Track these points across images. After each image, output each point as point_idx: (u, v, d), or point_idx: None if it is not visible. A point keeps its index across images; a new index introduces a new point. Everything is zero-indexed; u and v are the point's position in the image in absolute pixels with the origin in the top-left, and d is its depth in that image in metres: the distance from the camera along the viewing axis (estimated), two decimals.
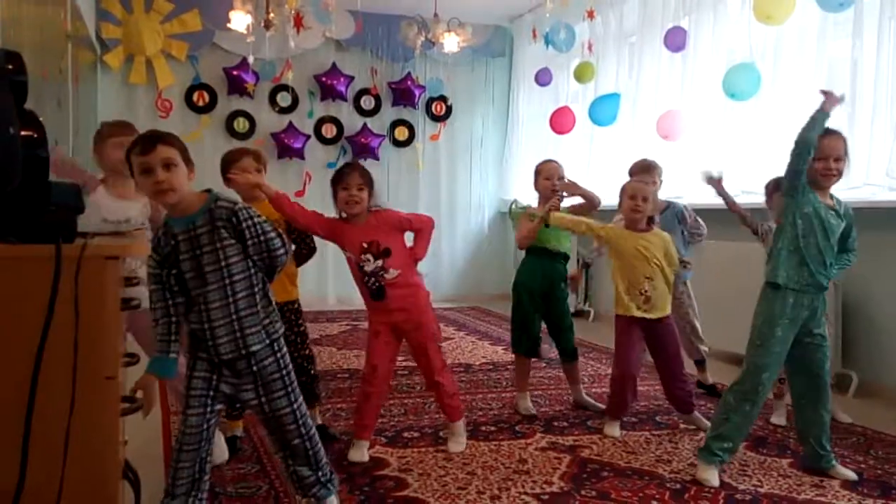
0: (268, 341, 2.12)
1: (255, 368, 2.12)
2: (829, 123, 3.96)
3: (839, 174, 2.74)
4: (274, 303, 2.18)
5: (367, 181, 2.90)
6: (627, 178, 3.87)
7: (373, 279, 2.90)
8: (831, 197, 2.81)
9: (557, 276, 3.66)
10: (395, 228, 2.96)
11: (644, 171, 3.85)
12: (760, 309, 2.78)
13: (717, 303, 4.38)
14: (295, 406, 2.19)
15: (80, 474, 1.44)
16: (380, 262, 2.89)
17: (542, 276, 3.62)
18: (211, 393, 2.11)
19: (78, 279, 1.41)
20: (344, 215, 2.94)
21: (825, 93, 2.74)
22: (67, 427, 1.41)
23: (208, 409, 2.11)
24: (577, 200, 3.64)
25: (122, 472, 1.72)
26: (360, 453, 2.93)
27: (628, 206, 3.29)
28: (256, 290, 2.09)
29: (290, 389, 2.18)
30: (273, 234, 2.07)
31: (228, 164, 2.99)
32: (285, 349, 2.20)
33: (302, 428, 2.20)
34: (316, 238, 3.10)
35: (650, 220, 3.36)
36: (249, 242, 2.04)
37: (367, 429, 3.01)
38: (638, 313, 3.28)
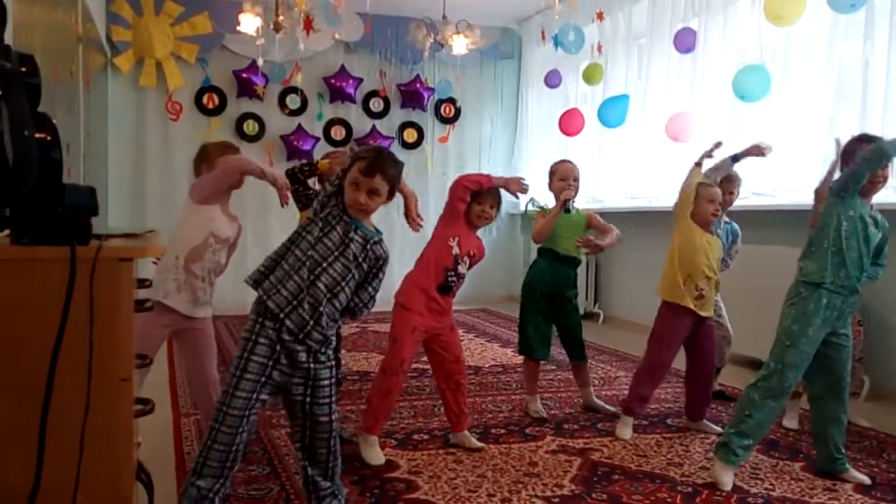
0: (326, 342, 2.21)
1: (311, 364, 2.19)
2: (841, 124, 3.97)
3: (885, 181, 2.75)
4: (341, 332, 2.29)
5: (499, 202, 3.18)
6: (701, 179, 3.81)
7: (454, 278, 3.08)
8: (871, 207, 2.81)
9: (567, 279, 3.66)
10: (479, 258, 3.21)
11: (730, 181, 3.79)
12: (792, 308, 2.75)
13: (739, 307, 4.34)
14: (333, 417, 2.25)
15: (94, 475, 1.44)
16: (465, 272, 3.13)
17: (551, 277, 3.62)
18: (262, 379, 2.15)
19: (93, 281, 1.41)
20: (468, 220, 3.15)
21: None
22: (82, 428, 1.41)
23: (255, 394, 2.14)
24: (581, 202, 3.68)
25: (135, 473, 1.72)
26: (377, 454, 2.93)
27: (707, 210, 3.29)
28: (339, 313, 2.25)
29: (332, 400, 2.25)
30: (374, 296, 2.34)
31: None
32: (334, 365, 2.28)
33: (332, 440, 2.26)
34: None
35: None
36: (369, 288, 2.30)
37: (381, 425, 3.02)
38: (689, 304, 3.26)
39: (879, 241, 2.78)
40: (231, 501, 2.49)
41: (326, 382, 2.22)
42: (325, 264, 2.17)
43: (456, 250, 3.07)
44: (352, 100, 7.43)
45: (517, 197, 3.21)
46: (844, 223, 2.71)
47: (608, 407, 3.67)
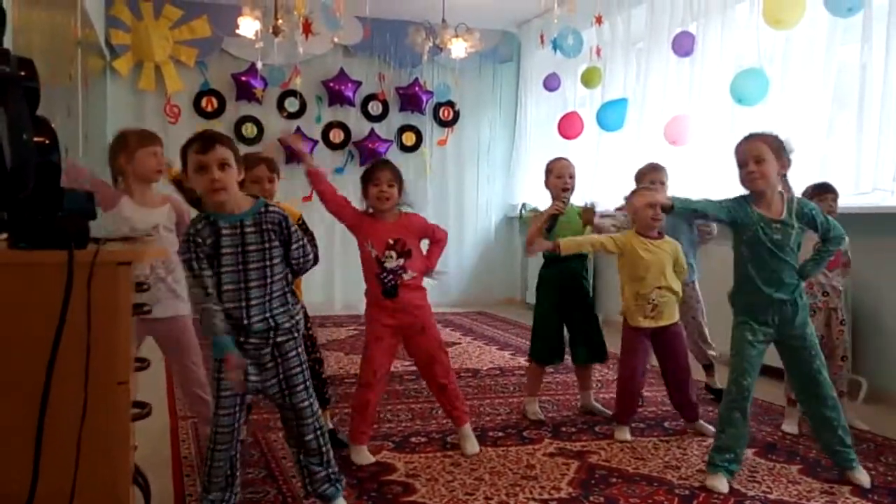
0: (292, 322, 2.26)
1: (278, 357, 2.24)
2: (836, 127, 3.98)
3: (764, 175, 2.71)
4: (299, 298, 2.35)
5: (398, 178, 2.99)
6: (634, 182, 3.87)
7: (390, 276, 2.95)
8: (782, 199, 2.77)
9: (578, 275, 3.62)
10: (419, 233, 3.05)
11: (652, 172, 3.84)
12: (733, 320, 2.84)
13: (721, 309, 4.35)
14: (311, 401, 2.31)
15: (91, 479, 1.44)
16: (401, 262, 2.95)
17: (561, 279, 3.60)
18: (240, 394, 2.22)
19: (90, 285, 1.41)
20: (371, 210, 2.99)
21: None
22: (79, 432, 1.42)
23: (237, 408, 2.22)
24: (578, 204, 3.67)
25: (132, 477, 1.72)
26: (365, 456, 2.94)
27: (648, 215, 3.27)
28: (287, 288, 2.27)
29: (307, 385, 2.30)
30: (308, 243, 2.31)
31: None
32: (303, 347, 2.31)
33: (316, 423, 2.32)
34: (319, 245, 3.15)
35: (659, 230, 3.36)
36: (294, 247, 2.23)
37: (367, 434, 3.02)
38: (645, 323, 3.29)
39: (808, 224, 2.76)
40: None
41: (297, 370, 2.27)
42: (242, 285, 2.16)
43: (374, 252, 2.94)
44: (351, 103, 7.43)
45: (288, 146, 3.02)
46: (744, 249, 2.78)
47: (606, 410, 3.67)
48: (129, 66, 6.74)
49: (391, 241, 2.94)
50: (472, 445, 3.09)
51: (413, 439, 3.24)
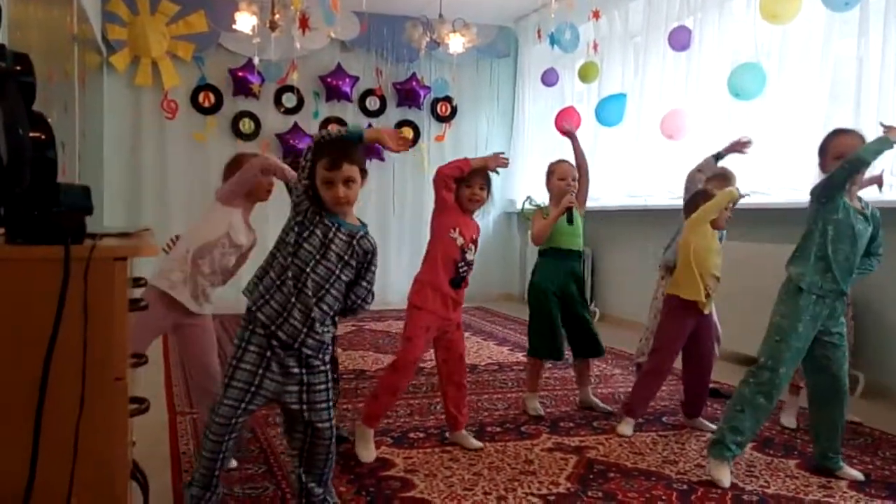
0: (321, 348, 2.21)
1: (303, 372, 2.19)
2: (836, 122, 3.97)
3: (861, 173, 2.75)
4: (335, 328, 2.31)
5: (489, 182, 3.10)
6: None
7: (465, 268, 3.06)
8: (859, 199, 2.80)
9: (573, 274, 3.65)
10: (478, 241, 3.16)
11: (721, 179, 3.79)
12: (781, 305, 2.77)
13: (727, 304, 4.36)
14: (332, 422, 2.25)
15: (89, 475, 1.44)
16: (474, 258, 3.09)
17: (557, 275, 3.61)
18: (252, 388, 2.16)
19: (87, 280, 1.41)
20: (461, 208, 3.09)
21: (888, 128, 2.67)
22: (77, 428, 1.41)
23: (243, 403, 2.15)
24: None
25: (130, 472, 1.72)
26: (369, 450, 2.94)
27: (725, 215, 3.29)
28: (333, 312, 2.23)
29: (330, 405, 2.25)
30: (371, 289, 2.29)
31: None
32: (329, 369, 2.27)
33: (331, 446, 2.27)
34: None
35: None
36: (364, 282, 2.26)
37: (379, 420, 3.04)
38: (700, 298, 3.26)
39: (871, 233, 2.79)
40: (227, 501, 2.49)
41: (322, 388, 2.22)
42: (307, 269, 2.14)
43: (460, 241, 3.04)
44: (348, 98, 7.43)
45: (497, 173, 3.14)
46: (829, 228, 2.72)
47: (604, 405, 3.68)
48: (125, 62, 6.72)
49: (475, 237, 3.10)
50: (473, 442, 3.10)
51: (412, 435, 3.24)
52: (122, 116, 6.84)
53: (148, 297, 2.38)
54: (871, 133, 3.99)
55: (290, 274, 2.14)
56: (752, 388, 2.73)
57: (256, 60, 6.65)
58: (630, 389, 3.59)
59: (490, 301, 7.58)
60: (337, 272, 2.18)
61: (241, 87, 7.07)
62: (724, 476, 2.70)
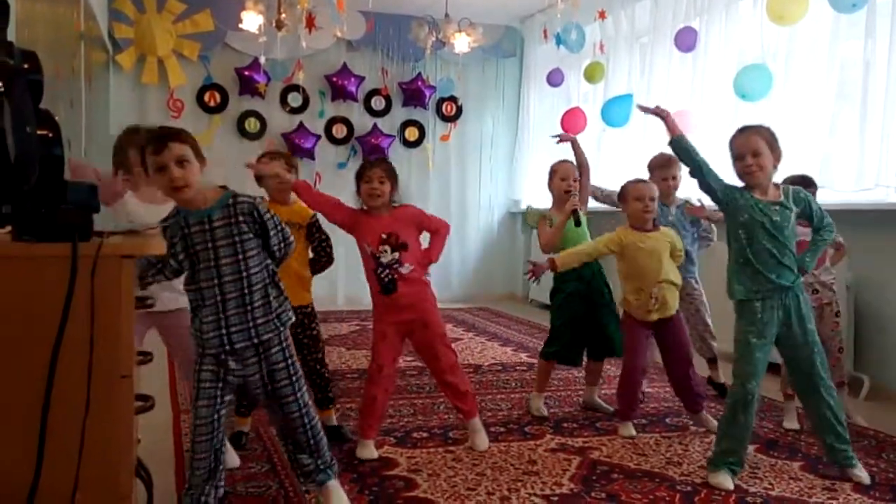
0: (279, 330, 2.21)
1: (262, 357, 2.20)
2: (839, 123, 3.95)
3: (762, 168, 2.72)
4: (283, 289, 2.26)
5: (390, 174, 2.97)
6: (648, 172, 3.85)
7: (387, 271, 2.94)
8: (777, 187, 2.79)
9: (594, 275, 3.59)
10: (414, 224, 3.03)
11: (664, 166, 3.82)
12: (735, 323, 2.81)
13: (728, 303, 4.35)
14: (299, 395, 2.27)
15: (94, 472, 1.45)
16: (396, 255, 2.94)
17: (577, 280, 3.54)
18: (220, 384, 2.19)
19: (94, 278, 1.41)
20: (365, 207, 3.00)
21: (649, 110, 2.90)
22: (83, 425, 1.42)
23: (217, 399, 2.19)
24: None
25: (135, 470, 1.73)
26: (369, 451, 2.94)
27: (637, 209, 3.27)
28: (268, 281, 2.19)
29: (294, 379, 2.26)
30: (285, 226, 2.23)
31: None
32: (290, 339, 2.28)
33: (305, 417, 2.28)
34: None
35: (654, 220, 3.35)
36: (272, 233, 2.17)
37: (374, 429, 3.03)
38: (648, 317, 3.27)
39: (802, 210, 2.77)
40: (229, 499, 2.50)
41: (282, 364, 2.23)
42: (216, 280, 2.12)
43: (369, 249, 2.96)
44: (353, 98, 7.43)
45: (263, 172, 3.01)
46: (740, 232, 2.74)
47: (608, 406, 3.67)
48: (132, 60, 6.74)
49: (384, 236, 2.94)
50: (482, 441, 3.07)
51: (415, 434, 3.24)
52: (128, 114, 6.83)
53: None
54: (877, 132, 4.00)
55: (206, 302, 2.13)
56: (729, 408, 2.78)
57: (262, 59, 6.67)
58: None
59: (493, 301, 7.58)
60: (241, 255, 2.12)
61: (247, 87, 7.08)
62: (725, 481, 2.70)
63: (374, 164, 2.99)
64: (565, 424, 3.44)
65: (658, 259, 3.27)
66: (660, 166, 3.84)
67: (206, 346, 2.16)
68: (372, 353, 3.07)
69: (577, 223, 3.49)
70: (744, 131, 2.78)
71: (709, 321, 3.95)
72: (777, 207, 2.73)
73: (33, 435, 1.39)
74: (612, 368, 4.64)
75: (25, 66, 1.51)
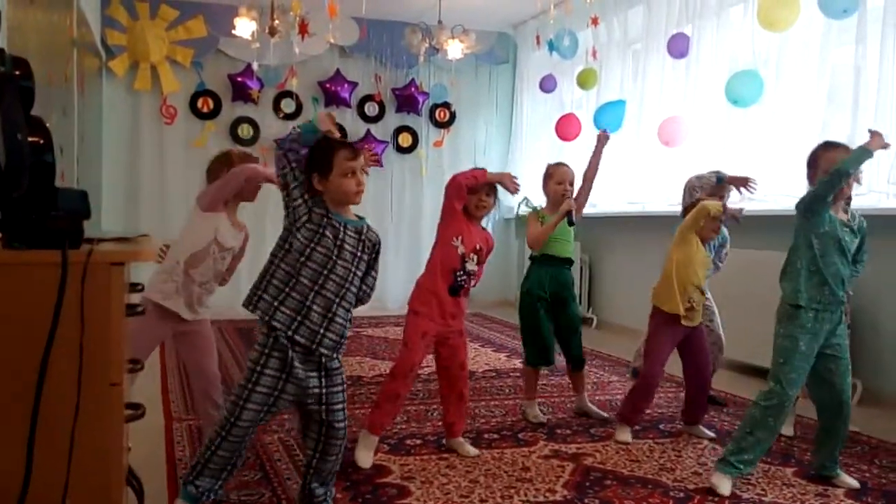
0: (340, 344, 2.26)
1: (322, 374, 2.24)
2: (833, 130, 3.97)
3: (846, 193, 2.76)
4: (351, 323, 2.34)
5: (495, 189, 3.10)
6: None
7: (464, 277, 3.04)
8: (845, 210, 2.81)
9: (565, 282, 3.65)
10: (489, 253, 3.17)
11: (720, 188, 3.78)
12: (781, 326, 2.77)
13: (731, 312, 4.36)
14: (346, 423, 2.31)
15: (84, 480, 1.44)
16: (475, 268, 3.08)
17: (549, 283, 3.61)
18: (275, 393, 2.20)
19: (84, 285, 1.41)
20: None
21: (873, 133, 2.70)
22: (72, 433, 1.41)
23: (267, 407, 2.20)
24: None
25: (125, 478, 1.72)
26: (367, 457, 2.93)
27: (711, 227, 3.29)
28: (351, 307, 2.28)
29: (345, 406, 2.30)
30: (376, 278, 2.37)
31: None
32: (343, 368, 2.32)
33: (342, 447, 2.32)
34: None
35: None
36: (373, 273, 2.34)
37: (384, 427, 3.04)
38: (683, 312, 3.27)
39: (858, 243, 2.80)
40: None
41: (339, 388, 2.27)
42: (325, 272, 2.19)
43: (461, 249, 3.03)
44: (347, 104, 7.44)
45: (511, 193, 3.17)
46: (816, 241, 2.73)
47: (600, 412, 3.67)
48: (125, 67, 6.73)
49: (478, 246, 3.08)
50: (471, 448, 3.09)
51: (408, 441, 3.23)
52: (121, 121, 6.84)
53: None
54: (869, 138, 4.00)
55: (303, 280, 2.17)
56: (762, 410, 2.73)
57: (255, 66, 6.67)
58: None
59: (488, 307, 7.57)
60: (353, 269, 2.24)
61: (240, 93, 7.08)
62: (725, 485, 2.69)
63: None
64: (559, 431, 3.44)
65: (703, 273, 3.32)
66: (714, 189, 3.72)
67: (273, 319, 2.15)
68: (405, 350, 3.03)
69: (571, 223, 3.53)
70: (840, 147, 2.77)
71: (722, 334, 3.91)
72: (847, 230, 2.76)
73: (22, 442, 1.38)
74: (605, 374, 4.65)
75: (16, 72, 1.51)
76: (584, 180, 3.68)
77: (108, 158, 6.70)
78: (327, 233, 2.20)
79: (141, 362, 2.15)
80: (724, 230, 3.84)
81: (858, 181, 2.84)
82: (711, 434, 3.36)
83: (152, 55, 6.74)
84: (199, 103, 7.04)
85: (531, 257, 3.71)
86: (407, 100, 7.59)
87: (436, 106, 7.75)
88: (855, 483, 2.77)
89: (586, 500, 2.61)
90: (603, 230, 6.51)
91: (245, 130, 7.14)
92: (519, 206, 3.79)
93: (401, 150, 7.68)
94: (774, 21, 4.14)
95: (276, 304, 2.17)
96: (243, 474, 2.78)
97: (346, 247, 2.22)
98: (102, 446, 1.47)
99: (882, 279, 3.97)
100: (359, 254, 2.25)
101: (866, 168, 4.01)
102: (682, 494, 2.68)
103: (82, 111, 4.84)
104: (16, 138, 1.40)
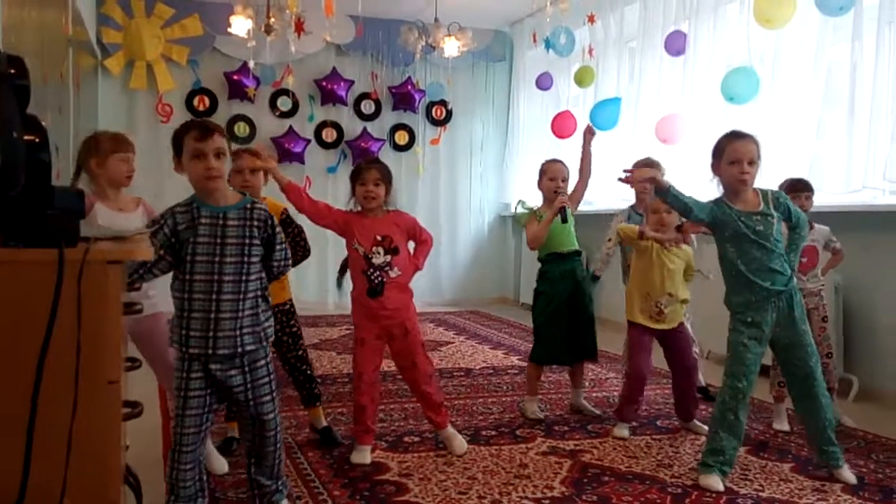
0: (263, 343, 2.21)
1: (246, 370, 2.19)
2: (826, 125, 3.97)
3: (753, 178, 2.77)
4: (270, 305, 2.27)
5: (385, 177, 2.98)
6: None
7: (377, 273, 2.94)
8: (756, 193, 2.80)
9: (578, 275, 3.62)
10: (406, 231, 3.04)
11: (647, 167, 3.80)
12: (729, 323, 2.84)
13: (713, 305, 4.37)
14: (276, 413, 2.27)
15: (82, 478, 1.43)
16: (388, 258, 2.94)
17: (562, 280, 3.58)
18: (209, 391, 2.17)
19: (80, 283, 1.40)
20: (359, 209, 3.00)
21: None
22: (70, 431, 1.40)
23: (206, 409, 2.17)
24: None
25: (123, 476, 1.72)
26: (363, 456, 2.94)
27: (655, 221, 3.34)
28: (260, 293, 2.19)
29: (274, 396, 2.26)
30: (286, 250, 2.28)
31: None
32: (269, 357, 2.27)
33: (277, 436, 2.28)
34: (310, 242, 3.19)
35: (684, 232, 3.40)
36: (278, 248, 2.23)
37: (370, 433, 3.02)
38: (650, 324, 3.33)
39: (783, 213, 2.79)
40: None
41: (265, 380, 2.23)
42: (216, 276, 2.10)
43: (361, 249, 2.94)
44: (343, 102, 7.43)
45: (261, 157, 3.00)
46: (729, 246, 2.78)
47: (593, 409, 3.68)
48: (120, 65, 6.72)
49: (379, 238, 2.94)
50: (460, 445, 3.07)
51: (406, 439, 3.23)
52: (117, 120, 6.81)
53: None
54: (864, 134, 4.02)
55: (197, 296, 2.10)
56: (721, 408, 2.79)
57: (251, 64, 6.65)
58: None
59: (484, 305, 7.58)
60: (246, 257, 2.14)
61: (236, 91, 7.07)
62: (716, 483, 2.70)
63: (370, 167, 2.98)
64: (556, 427, 3.44)
65: (672, 275, 3.34)
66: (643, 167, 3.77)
67: (189, 347, 2.12)
68: (354, 363, 3.05)
69: (564, 220, 3.53)
70: (742, 137, 2.78)
71: (690, 330, 3.94)
72: (759, 217, 2.76)
73: (20, 441, 1.38)
74: (602, 371, 4.65)
75: (11, 71, 1.50)
76: (580, 176, 3.68)
77: None
78: (201, 231, 2.11)
79: (138, 360, 2.15)
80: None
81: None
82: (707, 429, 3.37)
83: (148, 53, 6.73)
84: (196, 102, 7.03)
85: (541, 258, 3.68)
86: (403, 98, 7.59)
87: (432, 104, 7.75)
88: (853, 478, 2.78)
89: (584, 497, 2.61)
90: (599, 227, 6.50)
91: (241, 128, 7.13)
92: (516, 209, 3.79)
93: (397, 148, 7.67)
94: (771, 18, 4.14)
95: (184, 332, 2.12)
96: (239, 472, 2.78)
97: (229, 240, 2.12)
98: (100, 444, 1.46)
99: (876, 275, 3.98)
100: (246, 239, 2.14)
101: (861, 165, 4.05)
102: (679, 490, 2.69)
103: (78, 110, 4.83)
104: (11, 136, 1.40)
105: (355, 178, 2.98)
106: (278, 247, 2.23)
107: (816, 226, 3.52)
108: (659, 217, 3.34)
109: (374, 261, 2.94)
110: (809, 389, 2.81)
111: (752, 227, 2.74)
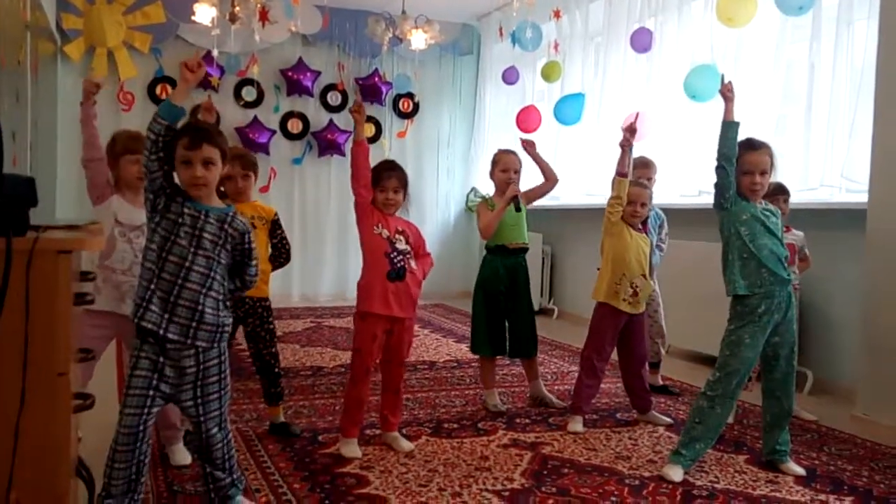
0: (216, 341, 2.19)
1: (201, 367, 2.17)
2: (785, 123, 4.04)
3: (764, 188, 2.84)
4: (230, 315, 2.25)
5: (404, 184, 3.00)
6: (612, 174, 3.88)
7: (400, 257, 2.95)
8: (763, 203, 2.89)
9: (520, 272, 3.68)
10: (416, 241, 3.06)
11: (642, 167, 3.83)
12: (731, 324, 2.83)
13: (679, 302, 4.45)
14: (223, 410, 2.26)
15: (30, 471, 1.41)
16: (409, 247, 2.98)
17: (506, 273, 3.64)
18: (150, 392, 2.12)
19: (29, 273, 1.38)
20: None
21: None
22: (17, 424, 1.38)
23: (146, 409, 2.11)
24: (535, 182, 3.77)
25: (74, 469, 1.69)
26: (354, 449, 2.93)
27: (628, 212, 3.35)
28: (222, 297, 2.20)
29: (222, 393, 2.25)
30: (256, 268, 2.29)
31: None
32: (227, 353, 2.25)
33: (223, 433, 2.27)
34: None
35: (644, 223, 3.45)
36: (252, 264, 2.26)
37: (358, 425, 3.02)
38: (623, 306, 3.34)
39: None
40: (178, 498, 2.46)
41: (214, 380, 2.21)
42: (186, 264, 2.11)
43: (385, 233, 2.95)
44: (309, 93, 7.37)
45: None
46: (743, 229, 2.79)
47: (556, 400, 3.71)
48: (80, 52, 6.58)
49: (400, 228, 2.99)
50: (406, 443, 3.05)
51: (367, 431, 3.22)
52: (77, 107, 6.61)
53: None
54: (822, 133, 4.08)
55: (165, 275, 2.10)
56: (708, 399, 2.81)
57: (216, 53, 6.56)
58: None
59: (449, 298, 7.59)
60: (216, 258, 2.16)
61: (201, 80, 6.95)
62: (675, 474, 2.74)
63: (391, 174, 2.98)
64: (518, 420, 3.46)
65: (641, 256, 3.37)
66: (637, 167, 3.72)
67: (142, 320, 2.08)
68: (358, 356, 2.98)
69: (518, 209, 3.57)
70: (758, 148, 2.83)
71: (664, 325, 4.01)
72: (769, 212, 2.83)
73: None
74: (564, 364, 4.69)
75: None
76: (546, 179, 3.72)
77: (64, 145, 6.54)
78: (184, 220, 2.12)
79: (91, 351, 2.11)
80: (660, 212, 3.93)
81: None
82: (668, 420, 3.43)
83: (109, 40, 6.60)
84: (158, 90, 6.91)
85: (486, 247, 3.72)
86: (370, 90, 7.55)
87: (399, 96, 7.72)
88: (801, 471, 2.84)
89: (543, 489, 2.63)
90: (563, 222, 6.57)
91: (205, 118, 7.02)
92: (468, 197, 3.81)
93: None
94: (732, 17, 4.18)
95: (143, 304, 2.09)
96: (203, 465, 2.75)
97: (206, 235, 2.14)
98: (49, 437, 1.44)
99: (831, 271, 4.06)
100: (220, 242, 2.16)
101: (818, 163, 4.12)
102: (637, 482, 2.72)
103: (36, 97, 4.73)
104: None
105: (375, 184, 2.97)
106: (252, 262, 2.26)
107: (793, 230, 3.59)
108: (633, 209, 3.36)
109: (397, 245, 2.96)
110: (786, 388, 2.86)
111: (765, 217, 2.81)
